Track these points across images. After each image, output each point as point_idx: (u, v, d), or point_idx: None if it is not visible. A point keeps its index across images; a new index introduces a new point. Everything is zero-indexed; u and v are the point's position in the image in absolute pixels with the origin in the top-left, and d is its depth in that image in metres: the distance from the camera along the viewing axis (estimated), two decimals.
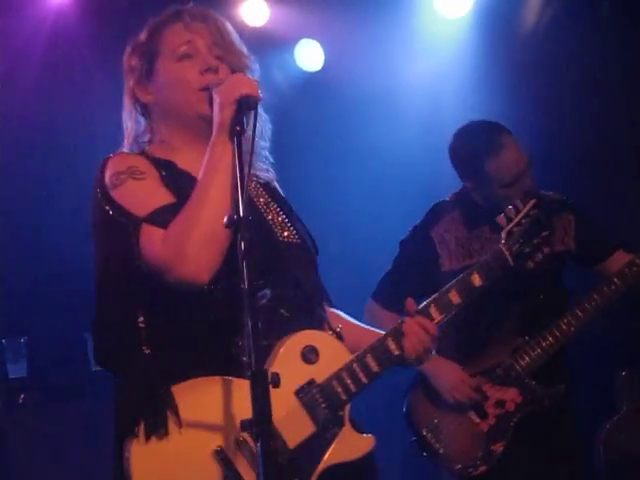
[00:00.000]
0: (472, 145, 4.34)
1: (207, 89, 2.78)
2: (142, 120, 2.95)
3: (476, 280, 3.03)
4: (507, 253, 3.07)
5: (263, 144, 2.95)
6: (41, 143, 5.95)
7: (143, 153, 2.88)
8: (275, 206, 2.98)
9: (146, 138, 2.93)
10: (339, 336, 2.89)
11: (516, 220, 3.09)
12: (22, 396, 5.84)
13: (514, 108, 5.57)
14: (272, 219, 2.94)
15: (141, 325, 2.73)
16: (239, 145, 2.57)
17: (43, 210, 5.92)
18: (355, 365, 2.82)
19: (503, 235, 3.09)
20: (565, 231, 4.40)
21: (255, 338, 2.34)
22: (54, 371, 5.90)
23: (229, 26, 2.96)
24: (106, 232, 2.76)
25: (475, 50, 5.86)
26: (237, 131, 2.60)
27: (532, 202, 3.13)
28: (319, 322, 2.89)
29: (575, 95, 5.86)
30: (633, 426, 4.74)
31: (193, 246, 2.59)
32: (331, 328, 2.91)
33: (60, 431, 5.64)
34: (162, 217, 2.65)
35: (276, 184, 3.07)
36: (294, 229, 2.95)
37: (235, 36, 2.95)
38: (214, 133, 2.68)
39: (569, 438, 4.35)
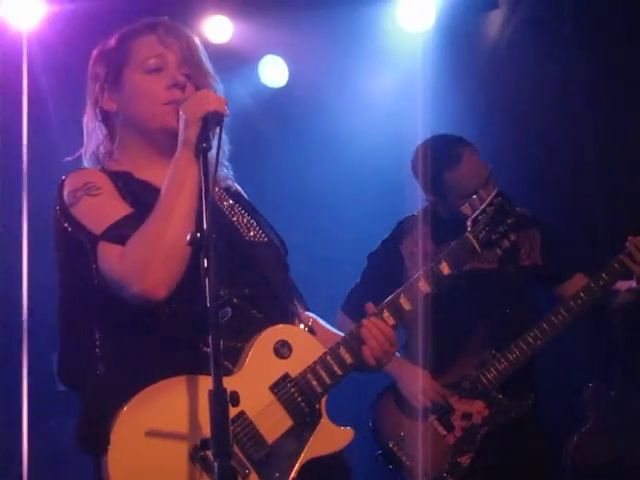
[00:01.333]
0: (432, 158, 4.39)
1: (173, 103, 2.78)
2: (103, 128, 2.94)
3: (445, 268, 3.03)
4: (474, 240, 3.07)
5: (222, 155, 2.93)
6: None
7: (101, 167, 2.88)
8: (240, 208, 2.99)
9: (106, 147, 2.92)
10: (311, 330, 2.90)
11: (481, 208, 3.09)
12: None
13: (476, 122, 5.60)
14: (237, 220, 2.95)
15: (97, 342, 2.73)
16: (204, 161, 2.57)
17: None
18: (329, 357, 2.83)
19: (469, 223, 3.08)
20: (531, 246, 4.43)
21: (216, 357, 2.34)
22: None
23: (199, 44, 2.96)
24: (65, 249, 2.77)
25: (437, 64, 5.87)
26: (203, 148, 2.60)
27: (495, 191, 3.13)
28: (291, 318, 2.90)
29: (536, 110, 5.89)
30: (600, 437, 4.75)
31: (151, 263, 2.58)
32: (302, 322, 2.92)
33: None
34: (118, 232, 2.65)
35: (238, 187, 3.07)
36: (260, 229, 2.96)
37: (204, 55, 2.95)
38: (179, 149, 2.67)
39: (537, 450, 4.36)
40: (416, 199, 4.55)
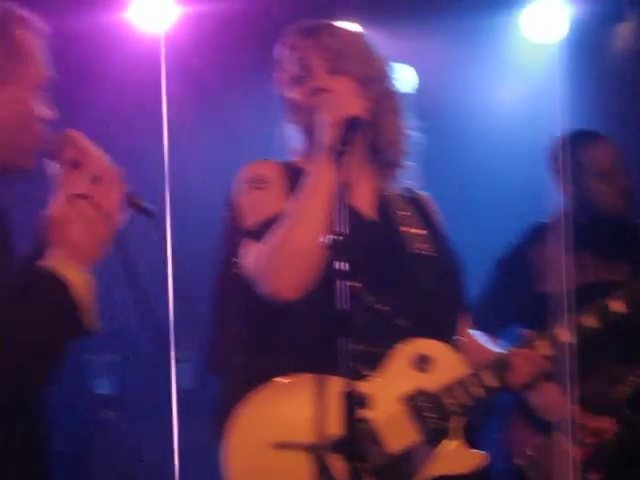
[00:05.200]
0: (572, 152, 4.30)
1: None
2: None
3: (618, 306, 2.96)
4: None
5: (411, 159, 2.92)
6: None
7: (287, 162, 2.88)
8: (416, 220, 2.95)
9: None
10: (458, 347, 2.87)
11: None
12: (106, 412, 5.90)
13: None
14: (405, 230, 2.92)
15: (240, 333, 2.76)
16: (341, 165, 2.57)
17: None
18: (471, 378, 2.79)
19: None
20: None
21: (345, 358, 2.33)
22: (140, 389, 5.95)
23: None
24: (225, 236, 2.81)
25: (567, 76, 5.81)
26: (341, 151, 2.60)
27: None
28: (444, 334, 2.86)
29: None
30: None
31: (281, 266, 2.61)
32: (456, 340, 2.88)
33: (145, 448, 5.68)
34: (261, 231, 2.66)
35: (429, 201, 3.04)
36: (431, 242, 2.92)
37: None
38: (317, 152, 2.68)
39: None
40: (550, 205, 4.47)
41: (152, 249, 6.03)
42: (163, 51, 5.48)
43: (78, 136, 2.24)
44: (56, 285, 2.04)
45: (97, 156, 2.21)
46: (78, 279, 2.08)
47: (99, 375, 6.00)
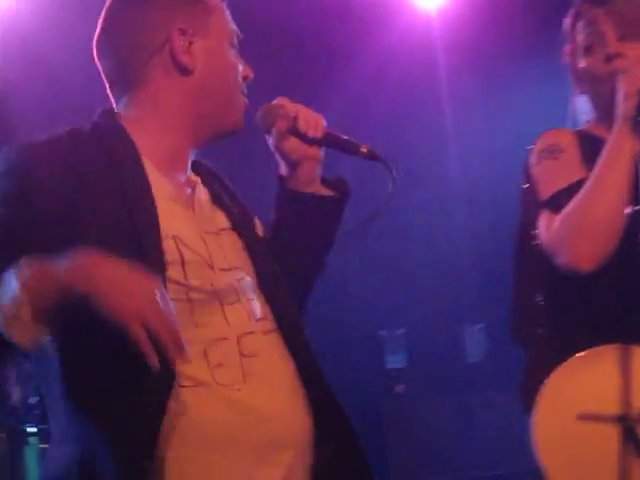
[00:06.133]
0: None
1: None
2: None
3: None
4: None
5: None
6: None
7: (580, 130, 2.85)
8: None
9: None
10: None
11: None
12: (400, 386, 6.00)
13: None
14: None
15: (539, 304, 2.75)
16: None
17: None
18: None
19: None
20: None
21: None
22: (431, 362, 6.01)
23: None
24: (521, 209, 2.81)
25: None
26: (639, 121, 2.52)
27: None
28: None
29: None
30: None
31: (577, 237, 2.56)
32: None
33: (435, 422, 5.74)
34: (557, 202, 2.63)
35: None
36: None
37: None
38: (616, 122, 2.62)
39: None
40: None
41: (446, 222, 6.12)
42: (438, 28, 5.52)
43: (290, 104, 2.18)
44: None
45: (313, 116, 2.17)
46: None
47: (391, 350, 6.11)
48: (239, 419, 1.91)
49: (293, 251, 2.21)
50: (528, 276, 2.79)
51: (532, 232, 2.71)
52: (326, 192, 2.23)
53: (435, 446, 5.68)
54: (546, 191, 2.69)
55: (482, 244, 6.00)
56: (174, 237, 1.94)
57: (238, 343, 1.94)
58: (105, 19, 2.08)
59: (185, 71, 2.03)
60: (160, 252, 1.89)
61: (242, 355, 1.94)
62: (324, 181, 2.24)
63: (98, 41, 2.09)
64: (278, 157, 2.21)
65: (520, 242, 2.82)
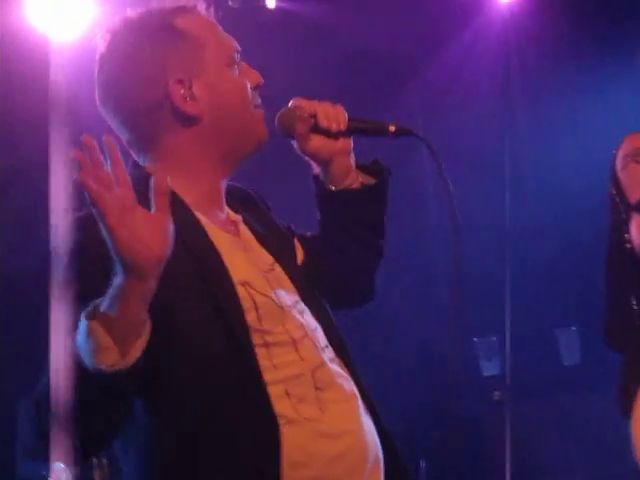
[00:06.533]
0: None
1: None
2: None
3: None
4: None
5: None
6: None
7: None
8: None
9: None
10: None
11: None
12: (497, 393, 5.97)
13: None
14: None
15: (634, 307, 2.76)
16: None
17: None
18: None
19: None
20: None
21: None
22: (526, 368, 5.98)
23: None
24: (610, 213, 2.83)
25: None
26: None
27: None
28: None
29: None
30: None
31: None
32: None
33: (535, 428, 5.70)
34: None
35: None
36: None
37: None
38: None
39: None
40: None
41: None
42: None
43: (305, 103, 2.10)
44: None
45: (332, 110, 2.09)
46: None
47: (486, 357, 6.09)
48: (337, 449, 1.90)
49: (346, 244, 2.15)
50: (621, 280, 2.80)
51: (623, 236, 2.73)
52: (365, 179, 2.15)
53: (537, 450, 5.64)
54: (635, 195, 2.71)
55: (572, 247, 5.96)
56: (244, 283, 1.91)
57: (313, 377, 1.94)
58: (101, 79, 2.00)
59: (194, 120, 1.97)
60: (237, 301, 1.88)
61: (316, 388, 1.93)
62: (360, 168, 2.16)
63: (101, 101, 2.02)
64: (307, 159, 2.14)
65: (611, 246, 2.84)
